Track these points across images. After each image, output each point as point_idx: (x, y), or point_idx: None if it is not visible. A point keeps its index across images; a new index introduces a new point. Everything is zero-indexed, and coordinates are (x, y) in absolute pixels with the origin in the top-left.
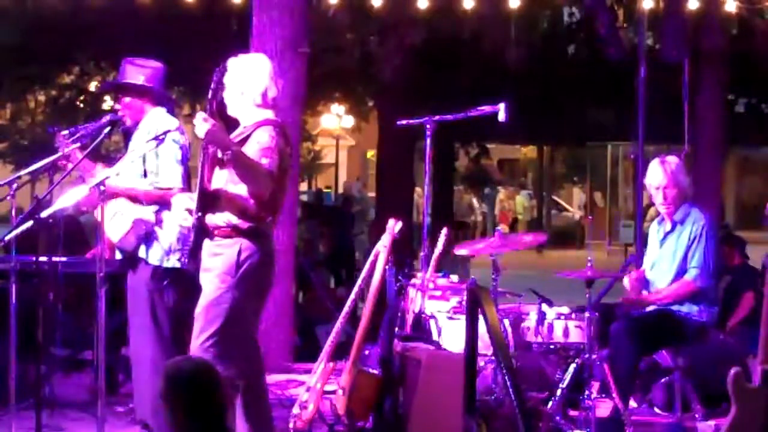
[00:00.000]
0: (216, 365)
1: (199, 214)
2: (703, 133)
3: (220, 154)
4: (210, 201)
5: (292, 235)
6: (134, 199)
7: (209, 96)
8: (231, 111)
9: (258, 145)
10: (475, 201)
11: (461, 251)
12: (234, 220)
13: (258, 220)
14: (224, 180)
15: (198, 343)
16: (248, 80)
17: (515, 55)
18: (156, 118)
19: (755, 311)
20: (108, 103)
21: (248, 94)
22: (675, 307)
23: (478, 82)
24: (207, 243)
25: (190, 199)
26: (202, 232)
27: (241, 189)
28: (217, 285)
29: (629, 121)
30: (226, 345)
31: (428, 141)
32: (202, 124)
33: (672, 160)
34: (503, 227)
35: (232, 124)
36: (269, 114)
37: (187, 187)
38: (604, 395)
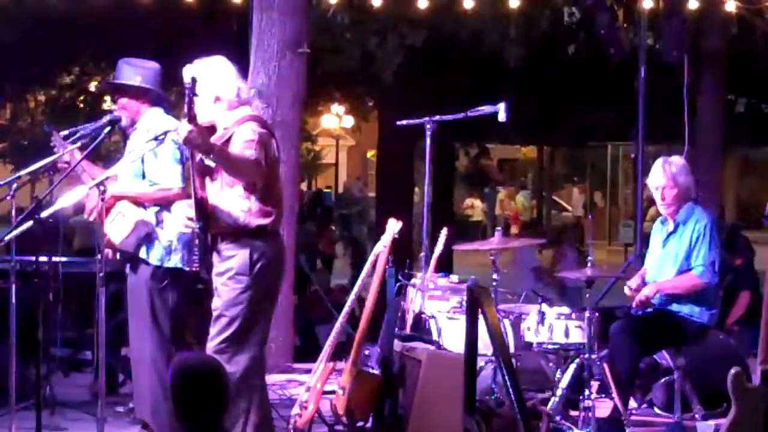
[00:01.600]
0: (227, 366)
1: (201, 222)
2: (703, 133)
3: (206, 161)
4: (209, 208)
5: (292, 235)
6: (137, 201)
7: (187, 103)
8: (205, 119)
9: (241, 139)
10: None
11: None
12: (240, 222)
13: (263, 217)
14: (219, 186)
15: (213, 344)
16: (220, 83)
17: (515, 55)
18: (154, 118)
19: (753, 311)
20: (108, 103)
21: (224, 97)
22: (675, 308)
23: (478, 82)
24: (218, 248)
25: (189, 207)
26: (205, 241)
27: (237, 191)
28: (232, 286)
29: (629, 121)
30: (239, 346)
31: (428, 141)
32: (182, 129)
33: (675, 160)
34: (514, 228)
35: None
36: (247, 110)
37: (186, 185)
38: (604, 395)
